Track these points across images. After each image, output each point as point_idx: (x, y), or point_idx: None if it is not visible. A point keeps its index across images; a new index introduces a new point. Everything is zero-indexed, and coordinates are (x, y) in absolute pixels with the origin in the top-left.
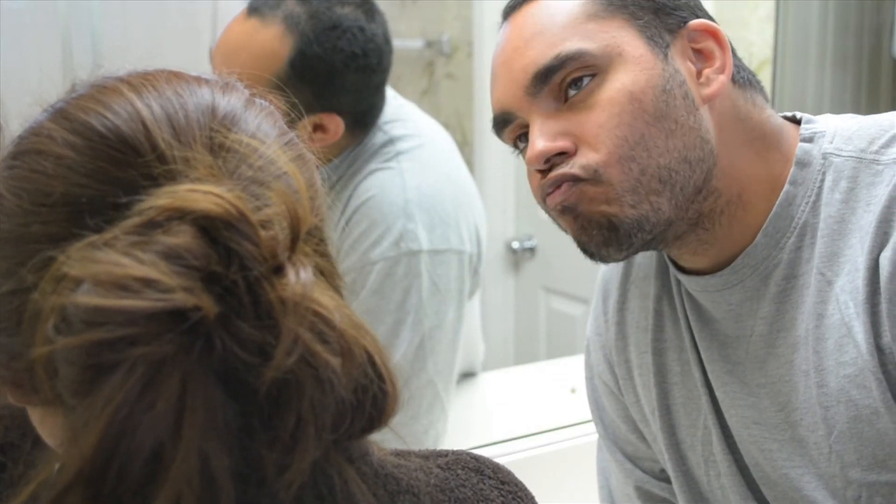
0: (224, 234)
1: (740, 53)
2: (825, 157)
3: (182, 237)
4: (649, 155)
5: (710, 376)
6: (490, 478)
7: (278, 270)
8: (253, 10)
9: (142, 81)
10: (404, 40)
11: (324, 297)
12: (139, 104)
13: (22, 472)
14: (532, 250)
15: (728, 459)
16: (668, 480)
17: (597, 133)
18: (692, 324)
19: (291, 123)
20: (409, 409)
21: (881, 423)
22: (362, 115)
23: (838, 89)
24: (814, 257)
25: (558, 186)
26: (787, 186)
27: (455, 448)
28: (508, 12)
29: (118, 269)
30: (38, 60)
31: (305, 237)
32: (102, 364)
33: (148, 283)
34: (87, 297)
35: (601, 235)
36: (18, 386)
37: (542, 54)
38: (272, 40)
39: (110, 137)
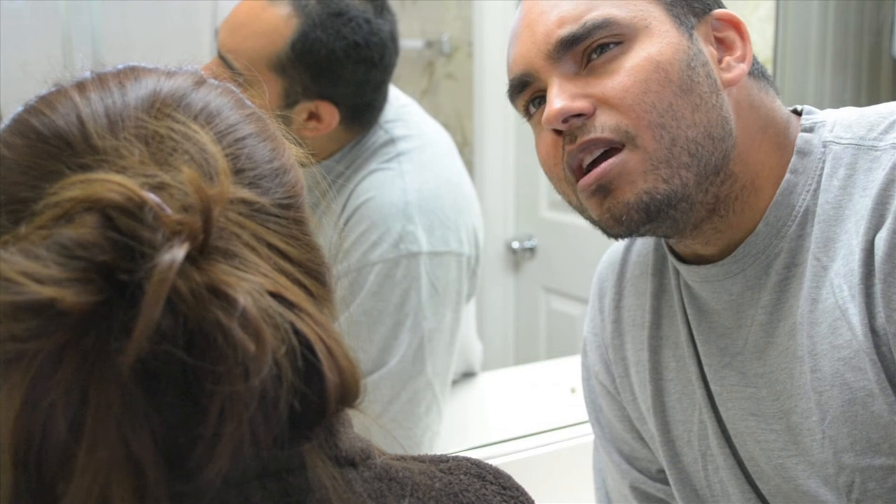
0: (124, 222)
1: None
2: (825, 145)
3: (83, 228)
4: (678, 125)
5: (707, 370)
6: (491, 483)
7: (190, 257)
8: None
9: (95, 79)
10: (404, 40)
11: (233, 279)
12: (79, 101)
13: None
14: (532, 250)
15: (725, 453)
16: (664, 481)
17: (622, 96)
18: (690, 318)
19: (287, 107)
20: (408, 413)
21: (875, 406)
22: (359, 111)
23: (838, 89)
24: (811, 244)
25: (586, 169)
26: (787, 175)
27: (455, 448)
28: None
29: (5, 264)
30: (38, 60)
31: (246, 215)
32: (4, 359)
33: (27, 275)
34: None
35: (631, 219)
36: None
37: (568, 19)
38: (278, 20)
39: (46, 134)
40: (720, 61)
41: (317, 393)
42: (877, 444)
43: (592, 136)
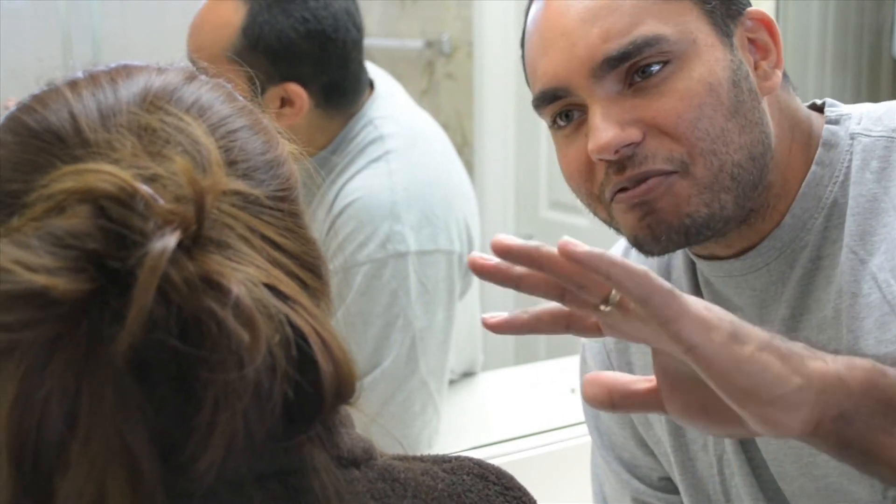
0: (116, 212)
1: None
2: (853, 137)
3: (75, 218)
4: (727, 151)
5: None
6: (494, 483)
7: (183, 246)
8: None
9: (88, 78)
10: (404, 40)
11: (226, 269)
12: (71, 97)
13: None
14: None
15: (740, 459)
16: (664, 490)
17: (676, 123)
18: None
19: (255, 97)
20: (403, 412)
21: None
22: (330, 92)
23: (838, 89)
24: (842, 236)
25: (639, 182)
26: (813, 167)
27: (455, 448)
28: None
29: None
30: (38, 60)
31: (240, 206)
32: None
33: (20, 264)
34: None
35: (671, 240)
36: None
37: (614, 36)
38: (227, 11)
39: (38, 130)
40: (756, 67)
41: (312, 384)
42: None
43: (644, 168)
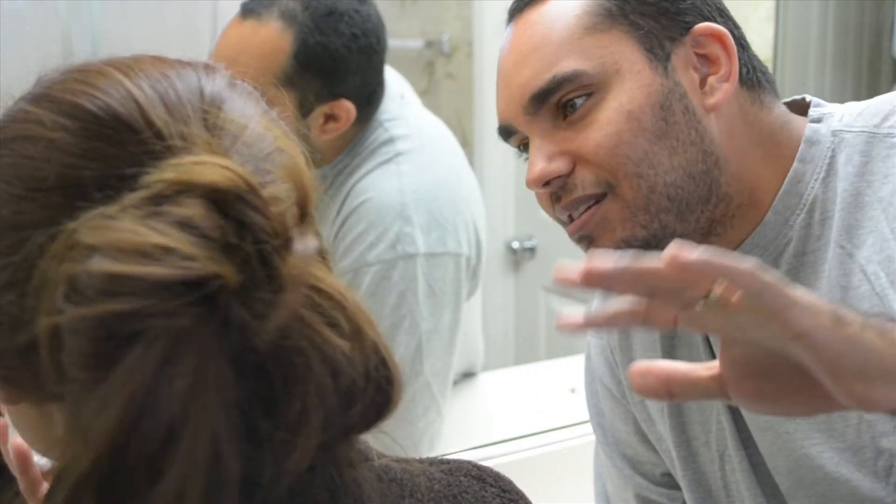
0: (235, 207)
1: None
2: (835, 134)
3: (193, 209)
4: (655, 172)
5: None
6: (492, 485)
7: (288, 245)
8: (248, 12)
9: (127, 64)
10: (404, 40)
11: (330, 277)
12: (129, 84)
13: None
14: (532, 250)
15: (741, 455)
16: (667, 486)
17: (596, 152)
18: None
19: (304, 117)
20: (406, 413)
21: None
22: (367, 99)
23: (838, 89)
24: (827, 232)
25: (572, 216)
26: (795, 164)
27: (455, 448)
28: (512, 14)
29: (136, 236)
30: (38, 60)
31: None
32: (119, 337)
33: (168, 250)
34: (103, 265)
35: None
36: (13, 383)
37: (538, 75)
38: (273, 37)
39: (103, 117)
40: (703, 82)
41: (378, 392)
42: None
43: (574, 196)
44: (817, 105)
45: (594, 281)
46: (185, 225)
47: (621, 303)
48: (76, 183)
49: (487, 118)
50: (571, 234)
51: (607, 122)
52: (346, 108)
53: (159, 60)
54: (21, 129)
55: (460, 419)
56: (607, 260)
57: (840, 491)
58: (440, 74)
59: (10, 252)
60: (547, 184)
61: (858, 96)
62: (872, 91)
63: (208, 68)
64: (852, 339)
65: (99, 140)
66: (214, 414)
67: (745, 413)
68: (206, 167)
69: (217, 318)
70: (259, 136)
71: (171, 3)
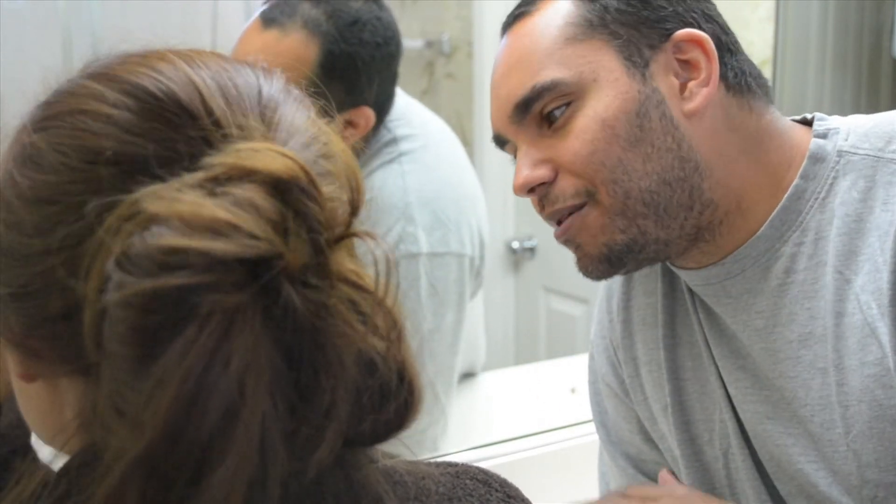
0: (293, 195)
1: None
2: (840, 154)
3: (254, 192)
4: (629, 178)
5: (722, 372)
6: (497, 490)
7: (338, 239)
8: (269, 21)
9: (188, 54)
10: (404, 40)
11: (370, 278)
12: (190, 72)
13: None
14: (532, 250)
15: (744, 453)
16: None
17: (573, 160)
18: (702, 319)
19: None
20: None
21: None
22: (383, 105)
23: (838, 89)
24: (820, 254)
25: (559, 221)
26: (797, 180)
27: (455, 448)
28: (504, 28)
29: (204, 209)
30: (38, 60)
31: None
32: (172, 314)
33: (235, 227)
34: (166, 236)
35: (598, 269)
36: (35, 354)
37: (520, 84)
38: (298, 47)
39: (165, 100)
40: (684, 88)
41: (404, 407)
42: None
43: (556, 206)
44: (821, 119)
45: None
46: (247, 205)
47: None
48: (133, 159)
49: (487, 118)
50: (557, 238)
51: (583, 130)
52: (367, 115)
53: (220, 56)
54: (79, 103)
55: (460, 419)
56: None
57: None
58: (440, 74)
59: (62, 218)
60: (532, 190)
61: (858, 96)
62: (872, 91)
63: (266, 71)
64: None
65: (158, 121)
66: (267, 398)
67: (743, 419)
68: (267, 154)
69: (272, 299)
70: (313, 137)
71: (171, 4)
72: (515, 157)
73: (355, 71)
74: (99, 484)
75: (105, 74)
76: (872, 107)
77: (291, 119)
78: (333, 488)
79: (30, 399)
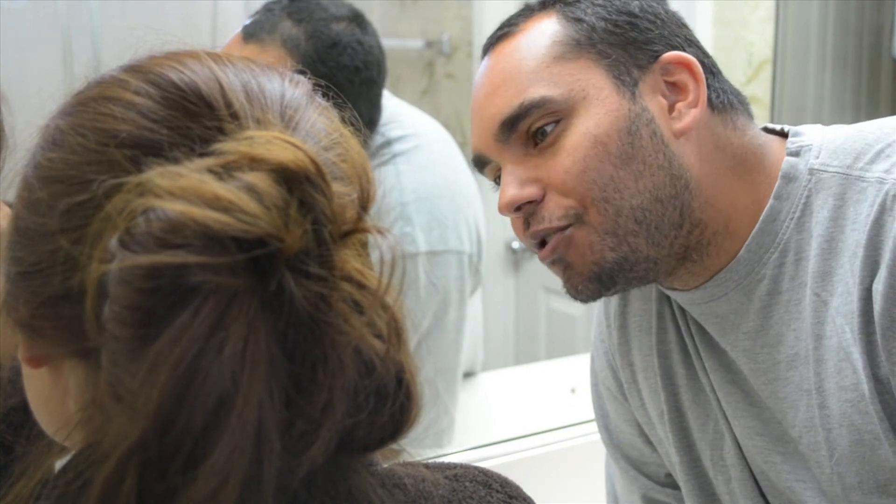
0: (300, 186)
1: (740, 53)
2: (812, 172)
3: (260, 179)
4: (621, 196)
5: (714, 384)
6: (498, 491)
7: (343, 235)
8: (249, 36)
9: (218, 54)
10: (404, 40)
11: (375, 278)
12: (215, 67)
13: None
14: None
15: (741, 465)
16: (672, 486)
17: (563, 179)
18: (693, 332)
19: None
20: None
21: (882, 450)
22: (366, 124)
23: (838, 89)
24: (801, 274)
25: (544, 242)
26: (771, 201)
27: (455, 447)
28: (486, 49)
29: (205, 185)
30: (38, 60)
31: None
32: (169, 293)
33: (233, 204)
34: (166, 207)
35: (587, 289)
36: (40, 335)
37: (507, 103)
38: (274, 64)
39: (186, 91)
40: (672, 108)
41: (400, 413)
42: (884, 485)
43: (543, 226)
44: (795, 135)
45: None
46: (250, 190)
47: None
48: (147, 143)
49: None
50: (542, 260)
51: (574, 147)
52: None
53: (249, 60)
54: (105, 90)
55: (460, 419)
56: None
57: None
58: (440, 74)
59: (71, 195)
60: (518, 209)
61: (858, 96)
62: (872, 91)
63: (293, 79)
64: None
65: (177, 110)
66: (262, 387)
67: (736, 433)
68: (278, 144)
69: (270, 284)
70: (333, 141)
71: (171, 3)
72: (495, 182)
73: (332, 94)
74: (97, 470)
75: (134, 67)
76: (872, 107)
77: (312, 122)
78: (326, 493)
79: (36, 390)
